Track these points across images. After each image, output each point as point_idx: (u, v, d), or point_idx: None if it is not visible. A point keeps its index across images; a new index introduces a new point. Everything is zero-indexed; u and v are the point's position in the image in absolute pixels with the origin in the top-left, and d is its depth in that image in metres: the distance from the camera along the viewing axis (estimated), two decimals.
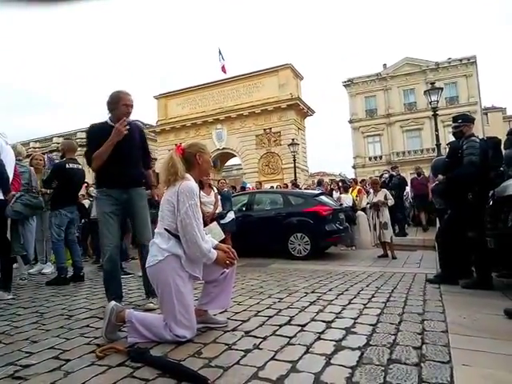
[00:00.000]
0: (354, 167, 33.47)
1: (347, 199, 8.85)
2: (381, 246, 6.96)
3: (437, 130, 11.45)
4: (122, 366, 1.78)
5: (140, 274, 3.71)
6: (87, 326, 2.53)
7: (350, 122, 33.87)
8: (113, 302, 2.20)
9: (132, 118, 3.44)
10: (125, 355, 1.90)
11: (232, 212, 7.01)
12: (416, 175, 10.87)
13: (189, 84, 26.09)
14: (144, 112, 24.69)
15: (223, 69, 25.50)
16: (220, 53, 25.70)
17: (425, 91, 11.74)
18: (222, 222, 6.40)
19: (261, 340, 2.14)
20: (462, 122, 3.92)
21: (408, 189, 11.42)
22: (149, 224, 3.27)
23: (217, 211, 6.50)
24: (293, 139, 19.73)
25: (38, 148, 30.47)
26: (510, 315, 2.54)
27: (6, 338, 2.28)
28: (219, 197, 6.68)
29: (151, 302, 3.04)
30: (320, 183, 11.27)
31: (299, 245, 6.92)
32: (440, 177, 4.01)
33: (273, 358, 1.86)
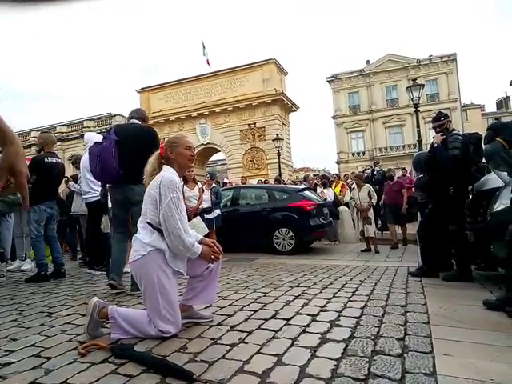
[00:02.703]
0: (337, 163, 33.74)
1: (329, 194, 8.92)
2: (364, 241, 7.06)
3: (418, 126, 11.64)
4: (105, 363, 1.75)
5: (126, 269, 3.65)
6: (69, 322, 2.48)
7: (334, 117, 34.06)
8: (95, 298, 2.16)
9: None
10: (108, 352, 1.86)
11: (218, 208, 6.97)
12: (388, 180, 8.07)
13: (172, 78, 25.78)
14: (126, 106, 24.31)
15: (208, 63, 25.29)
16: (203, 46, 25.45)
17: (407, 87, 11.91)
18: (208, 216, 6.37)
19: (246, 334, 2.14)
20: (445, 118, 4.03)
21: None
22: None
23: (205, 206, 6.46)
24: (277, 134, 19.75)
25: None
26: (488, 306, 2.61)
27: None
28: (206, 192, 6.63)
29: None
30: (305, 179, 11.32)
31: (284, 240, 6.95)
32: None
33: (258, 352, 1.86)
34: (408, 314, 2.52)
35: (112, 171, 3.23)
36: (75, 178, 6.22)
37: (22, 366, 1.74)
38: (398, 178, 9.22)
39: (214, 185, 7.16)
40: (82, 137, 22.69)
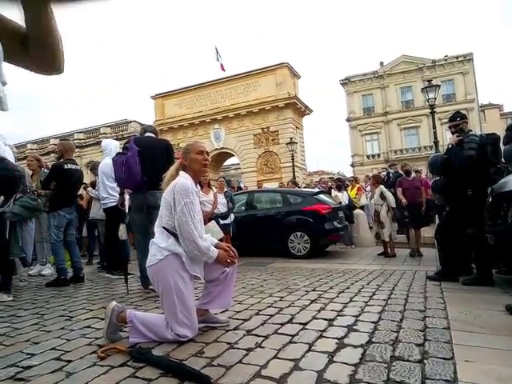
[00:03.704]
0: (352, 165, 33.46)
1: (343, 197, 8.83)
2: (381, 244, 6.96)
3: (434, 127, 11.45)
4: (124, 367, 1.78)
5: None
6: (88, 326, 2.53)
7: (348, 120, 33.84)
8: (114, 303, 2.20)
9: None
10: (127, 355, 1.89)
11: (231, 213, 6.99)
12: (404, 174, 7.17)
13: (186, 84, 26.01)
14: (141, 112, 24.68)
15: (222, 67, 25.48)
16: (217, 51, 25.67)
17: (422, 88, 11.73)
18: (225, 222, 6.39)
19: (263, 339, 2.14)
20: (461, 119, 3.96)
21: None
22: None
23: (222, 211, 6.48)
24: (291, 138, 19.73)
25: (35, 150, 30.38)
26: (510, 311, 2.55)
27: (7, 340, 2.27)
28: (221, 196, 6.65)
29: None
30: (319, 182, 11.27)
31: (299, 243, 6.91)
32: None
33: (275, 357, 1.85)
34: (427, 319, 2.48)
35: (136, 178, 3.51)
36: (93, 184, 6.34)
37: (44, 369, 1.78)
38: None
39: (225, 189, 7.17)
40: (98, 143, 23.10)
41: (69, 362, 1.87)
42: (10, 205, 3.94)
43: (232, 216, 6.88)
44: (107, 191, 4.83)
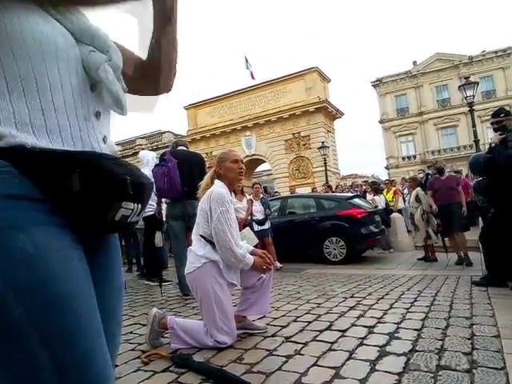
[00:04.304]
0: (387, 168, 32.62)
1: (380, 201, 8.61)
2: (420, 248, 6.71)
3: (474, 125, 10.96)
4: (166, 372, 1.82)
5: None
6: (131, 332, 2.61)
7: (381, 122, 33.09)
8: (154, 309, 2.26)
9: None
10: (169, 361, 1.94)
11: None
12: (437, 172, 6.17)
13: (217, 93, 26.46)
14: (175, 122, 25.29)
15: (251, 75, 25.75)
16: (246, 60, 25.99)
17: (459, 86, 11.27)
18: (263, 227, 6.38)
19: (302, 346, 2.12)
20: (505, 115, 3.78)
21: None
22: None
23: (259, 218, 6.47)
24: (322, 142, 19.54)
25: None
26: None
27: None
28: (257, 203, 6.64)
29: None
30: (352, 185, 11.07)
31: (334, 249, 6.80)
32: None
33: (315, 364, 1.83)
34: (474, 326, 2.36)
35: (178, 188, 3.74)
36: None
37: None
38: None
39: (261, 196, 7.15)
40: (135, 154, 23.90)
41: (114, 366, 1.93)
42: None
43: (268, 222, 6.84)
44: None
